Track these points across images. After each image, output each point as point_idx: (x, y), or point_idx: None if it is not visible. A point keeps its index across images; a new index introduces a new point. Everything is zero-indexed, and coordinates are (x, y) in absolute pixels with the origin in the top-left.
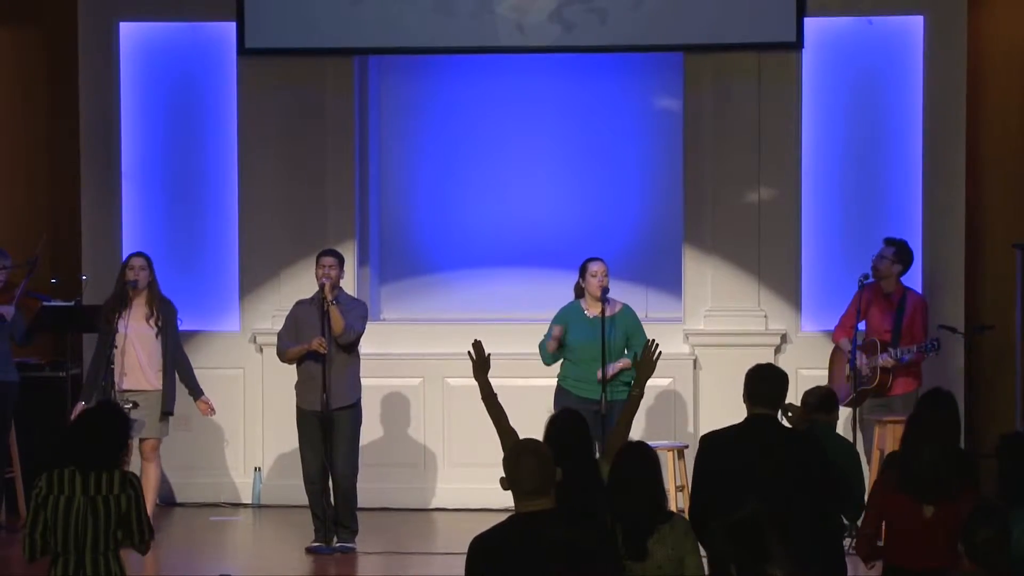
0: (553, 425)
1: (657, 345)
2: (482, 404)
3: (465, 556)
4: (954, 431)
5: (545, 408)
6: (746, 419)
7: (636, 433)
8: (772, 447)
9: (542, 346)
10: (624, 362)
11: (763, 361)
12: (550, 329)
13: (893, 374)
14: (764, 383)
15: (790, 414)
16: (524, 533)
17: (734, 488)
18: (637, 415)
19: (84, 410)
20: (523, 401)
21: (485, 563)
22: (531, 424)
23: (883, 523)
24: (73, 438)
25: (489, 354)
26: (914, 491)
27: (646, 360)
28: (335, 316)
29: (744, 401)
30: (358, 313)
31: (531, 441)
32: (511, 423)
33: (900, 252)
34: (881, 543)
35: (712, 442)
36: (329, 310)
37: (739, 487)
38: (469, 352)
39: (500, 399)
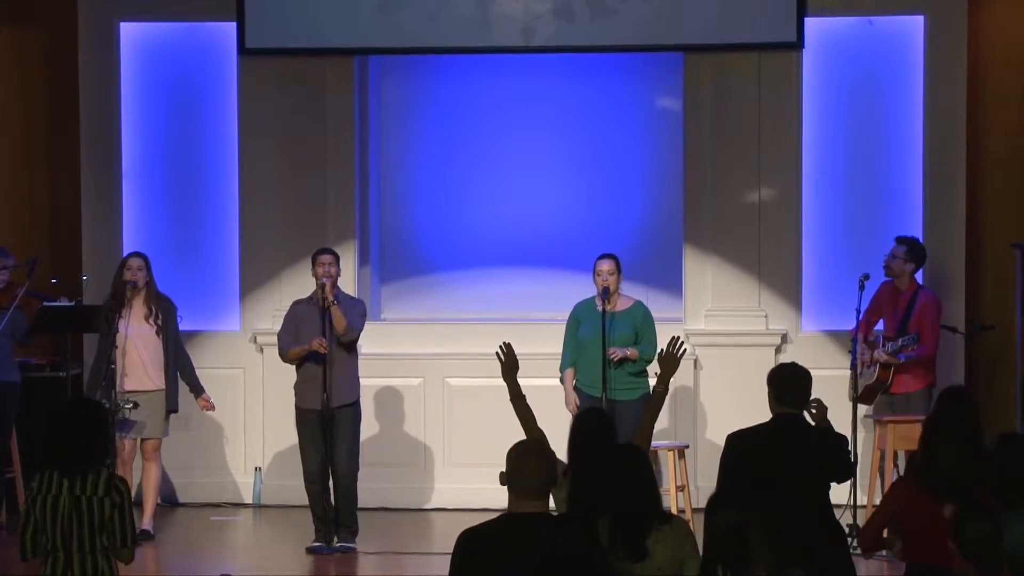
0: (579, 425)
1: (682, 343)
2: (484, 405)
3: (453, 548)
4: (975, 429)
5: (546, 408)
6: (772, 418)
7: None
8: (799, 446)
9: (560, 367)
10: (631, 351)
11: (764, 361)
12: (567, 346)
13: (895, 371)
14: (788, 383)
15: (814, 410)
16: (515, 533)
17: (761, 488)
18: None
19: (59, 410)
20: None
21: (472, 558)
22: (541, 423)
23: (893, 522)
24: (50, 439)
25: (516, 358)
26: (935, 491)
27: (669, 356)
28: (337, 316)
29: (769, 401)
30: (358, 312)
31: (537, 442)
32: (537, 422)
33: (912, 250)
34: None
35: (739, 441)
36: (331, 310)
37: (766, 486)
38: (497, 353)
39: (499, 399)
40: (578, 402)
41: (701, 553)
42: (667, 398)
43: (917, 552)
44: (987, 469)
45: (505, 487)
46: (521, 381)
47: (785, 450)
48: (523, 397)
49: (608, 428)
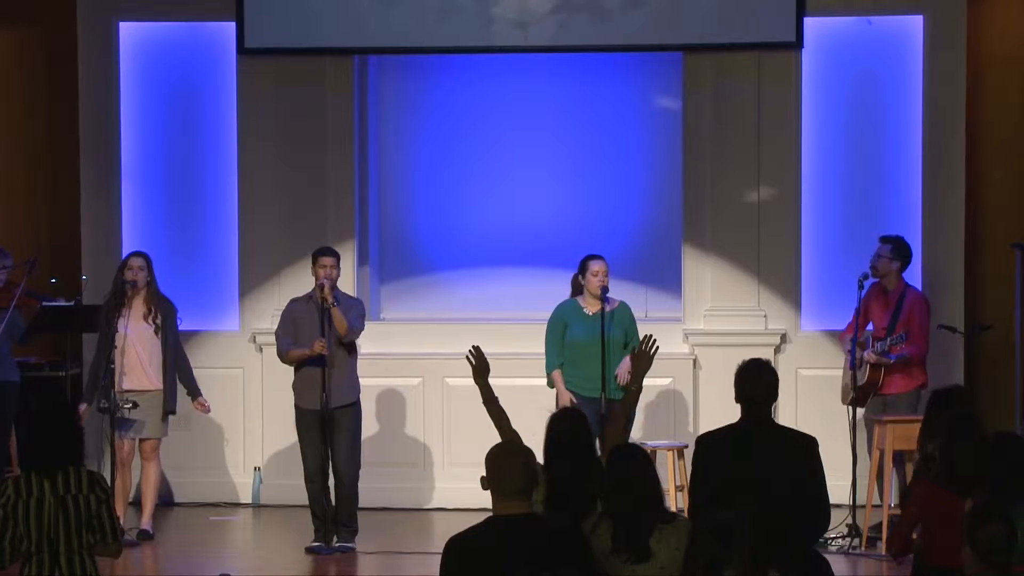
0: (554, 424)
1: (655, 340)
2: (483, 406)
3: (441, 555)
4: (980, 424)
5: (545, 408)
6: (741, 419)
7: (636, 433)
8: (767, 447)
9: (547, 369)
10: (627, 359)
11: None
12: (553, 348)
13: (886, 371)
14: (755, 382)
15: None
16: (501, 536)
17: (731, 489)
18: (637, 414)
19: (32, 411)
20: (523, 401)
21: (460, 564)
22: (531, 424)
23: (919, 522)
24: (24, 441)
25: (487, 361)
26: (955, 487)
27: (643, 355)
28: (338, 317)
29: (737, 401)
30: (357, 312)
31: (515, 443)
32: (512, 424)
33: (897, 248)
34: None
35: (708, 443)
36: (331, 312)
37: (736, 488)
38: (467, 357)
39: (499, 399)
40: (573, 401)
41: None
42: (666, 398)
43: (939, 553)
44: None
45: (486, 490)
46: (524, 382)
47: (753, 450)
48: (496, 400)
49: (584, 428)
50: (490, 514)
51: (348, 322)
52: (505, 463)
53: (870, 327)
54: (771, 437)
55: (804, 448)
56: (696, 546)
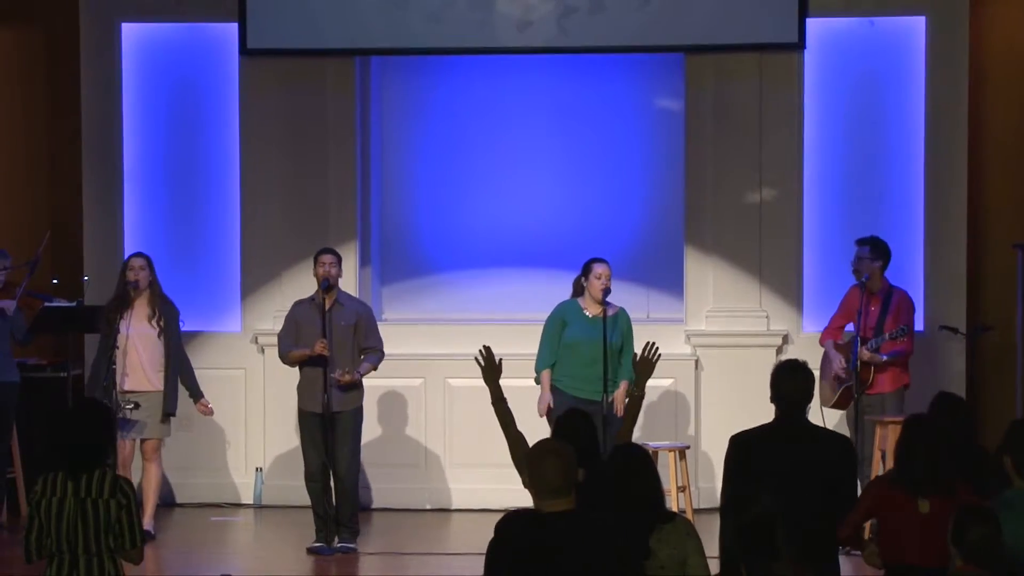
0: (560, 426)
1: (656, 347)
2: (485, 406)
3: (484, 555)
4: (957, 430)
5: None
6: (776, 418)
7: (636, 433)
8: (801, 447)
9: (538, 367)
10: (625, 390)
11: (765, 362)
12: (547, 347)
13: (875, 370)
14: (791, 381)
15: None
16: (542, 533)
17: (764, 488)
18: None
19: (64, 411)
20: (523, 401)
21: (503, 562)
22: (530, 424)
23: (871, 518)
24: (54, 440)
25: (500, 359)
26: (909, 486)
27: (644, 361)
28: (367, 371)
29: (771, 401)
30: (375, 354)
31: (554, 441)
32: (517, 427)
33: (874, 249)
34: (868, 535)
35: (742, 442)
36: (349, 378)
37: (770, 487)
38: (476, 358)
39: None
40: (552, 403)
41: (719, 555)
42: (668, 399)
43: (895, 552)
44: (971, 469)
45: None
46: (525, 382)
47: (787, 450)
48: (505, 400)
49: (591, 430)
50: (498, 512)
51: (374, 362)
52: (542, 462)
53: (849, 327)
54: (805, 437)
55: (838, 449)
56: (736, 545)
